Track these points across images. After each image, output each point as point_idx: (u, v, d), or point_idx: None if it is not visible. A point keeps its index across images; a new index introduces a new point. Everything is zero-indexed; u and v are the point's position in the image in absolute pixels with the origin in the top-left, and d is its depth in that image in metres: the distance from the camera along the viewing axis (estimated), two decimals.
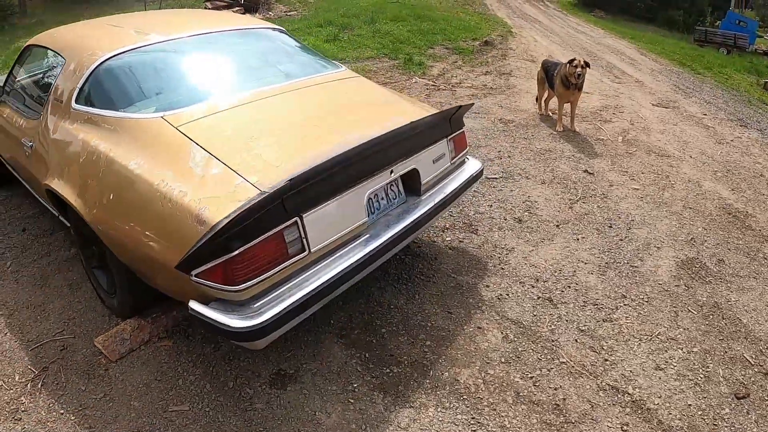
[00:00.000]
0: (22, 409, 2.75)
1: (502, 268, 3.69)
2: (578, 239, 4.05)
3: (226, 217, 2.19)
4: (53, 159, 3.18)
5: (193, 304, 2.34)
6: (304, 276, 2.45)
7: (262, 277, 2.31)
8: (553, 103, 6.80)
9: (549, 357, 2.90)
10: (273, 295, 2.36)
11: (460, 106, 3.34)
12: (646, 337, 3.03)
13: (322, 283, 2.44)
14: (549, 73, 6.45)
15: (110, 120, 2.94)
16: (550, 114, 6.77)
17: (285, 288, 2.39)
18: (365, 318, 3.24)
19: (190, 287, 2.37)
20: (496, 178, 5.07)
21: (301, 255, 2.42)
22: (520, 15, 18.16)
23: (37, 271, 3.74)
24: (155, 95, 3.10)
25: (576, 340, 3.01)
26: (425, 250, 3.91)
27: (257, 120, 2.92)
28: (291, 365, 2.91)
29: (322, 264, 2.53)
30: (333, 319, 3.24)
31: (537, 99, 7.01)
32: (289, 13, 13.51)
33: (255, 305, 2.30)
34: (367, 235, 2.74)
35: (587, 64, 6.01)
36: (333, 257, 2.57)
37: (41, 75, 3.88)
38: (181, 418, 2.63)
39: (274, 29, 4.14)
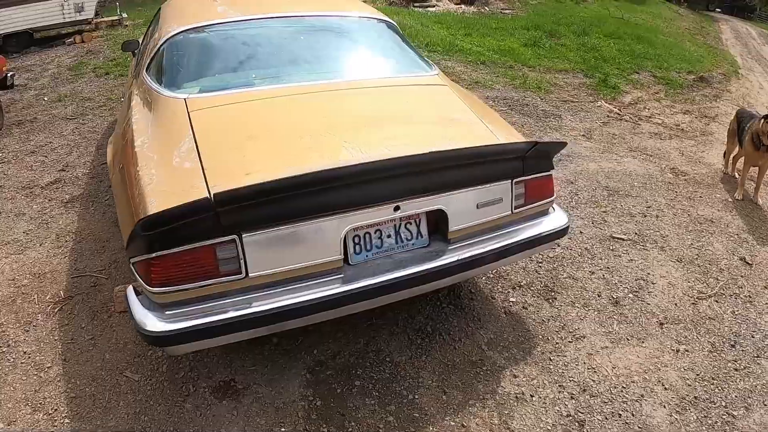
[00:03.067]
0: (34, 324, 2.98)
1: (551, 359, 2.80)
2: (678, 351, 2.94)
3: (144, 217, 1.95)
4: (118, 120, 3.22)
5: (130, 289, 2.16)
6: (239, 299, 2.08)
7: (182, 287, 2.01)
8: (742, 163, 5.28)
9: None
10: (195, 307, 2.04)
11: (537, 143, 2.51)
12: None
13: (255, 314, 2.06)
14: (741, 126, 4.97)
15: (152, 93, 2.85)
16: (736, 175, 5.25)
17: (212, 304, 2.05)
18: (350, 361, 2.71)
19: None
20: (622, 239, 4.00)
21: (236, 277, 2.06)
22: (755, 56, 14.86)
23: None
24: (203, 75, 2.92)
25: None
26: (475, 305, 3.16)
27: (276, 118, 2.59)
28: (245, 380, 2.60)
29: (267, 292, 2.11)
30: (318, 349, 2.77)
31: (725, 154, 5.51)
32: (504, 11, 12.68)
33: (170, 312, 2.02)
34: (341, 275, 2.21)
35: None
36: (283, 288, 2.13)
37: (149, 39, 3.89)
38: (127, 385, 2.59)
39: (379, 20, 3.62)
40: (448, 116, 2.86)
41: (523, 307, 3.18)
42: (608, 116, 6.93)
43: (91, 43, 9.75)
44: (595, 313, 3.18)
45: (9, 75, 6.94)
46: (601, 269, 3.61)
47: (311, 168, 2.03)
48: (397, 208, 2.24)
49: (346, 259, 2.25)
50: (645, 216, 4.40)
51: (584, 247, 3.85)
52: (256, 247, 2.04)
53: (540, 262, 3.62)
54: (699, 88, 8.57)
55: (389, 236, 2.33)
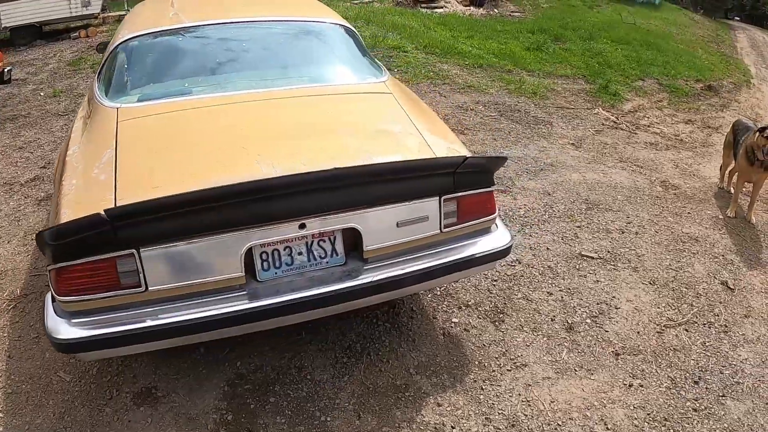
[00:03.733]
0: None
1: (482, 389, 2.51)
2: (631, 386, 2.62)
3: (50, 228, 1.93)
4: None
5: (48, 296, 2.13)
6: (141, 311, 2.05)
7: (87, 297, 2.00)
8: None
9: None
10: (100, 317, 2.03)
11: (467, 158, 2.28)
12: None
13: (156, 326, 2.01)
14: (737, 139, 4.58)
15: (94, 101, 2.79)
16: (732, 190, 4.87)
17: (115, 315, 2.03)
18: (270, 376, 2.55)
19: None
20: (591, 258, 3.67)
21: (137, 290, 2.02)
22: None
23: None
24: (146, 83, 2.85)
25: None
26: (413, 324, 2.89)
27: (204, 128, 2.49)
28: (166, 387, 2.53)
29: (168, 306, 2.06)
30: (242, 361, 2.62)
31: (721, 167, 5.12)
32: (513, 14, 12.29)
33: (77, 320, 2.01)
34: (245, 292, 2.11)
35: None
36: (185, 303, 2.07)
37: None
38: (59, 385, 2.57)
39: (334, 25, 3.43)
40: (382, 127, 2.65)
41: (465, 329, 2.88)
42: (603, 124, 6.57)
43: (95, 38, 9.66)
44: (545, 339, 2.87)
45: (6, 70, 6.87)
46: (561, 290, 3.29)
47: (207, 184, 1.97)
48: (302, 226, 2.10)
49: (254, 276, 2.15)
50: (623, 233, 4.06)
51: (547, 265, 3.53)
52: (154, 261, 1.99)
53: (495, 281, 3.32)
54: (706, 97, 8.11)
55: (300, 254, 2.18)
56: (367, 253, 2.22)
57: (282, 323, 2.20)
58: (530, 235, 3.90)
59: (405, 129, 2.60)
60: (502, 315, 3.01)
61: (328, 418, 2.35)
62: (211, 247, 2.03)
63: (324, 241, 2.20)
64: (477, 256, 2.43)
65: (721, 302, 3.34)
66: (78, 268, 1.95)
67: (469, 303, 3.09)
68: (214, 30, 3.15)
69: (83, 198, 2.10)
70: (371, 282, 2.18)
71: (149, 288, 2.00)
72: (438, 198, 2.30)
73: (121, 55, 2.97)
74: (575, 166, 5.23)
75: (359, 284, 2.17)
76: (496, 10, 12.55)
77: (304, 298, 2.09)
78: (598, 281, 3.42)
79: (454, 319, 2.96)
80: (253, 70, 2.99)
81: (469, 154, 2.38)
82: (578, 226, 4.09)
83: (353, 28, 3.52)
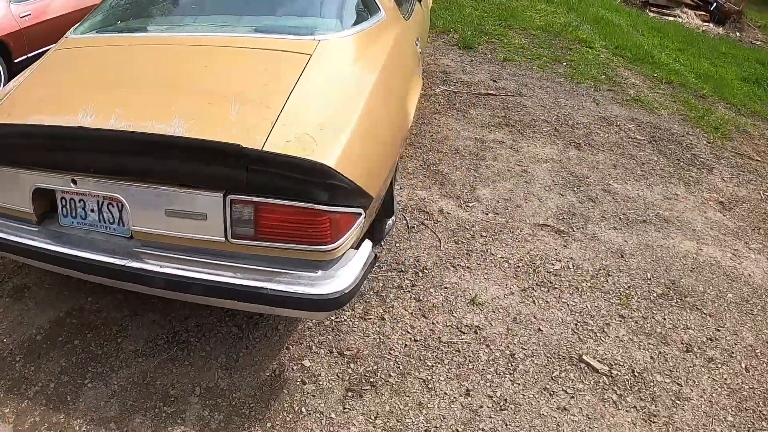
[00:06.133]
0: None
1: None
2: None
3: None
4: None
5: None
6: None
7: None
8: None
9: None
10: None
11: (243, 148, 1.61)
12: None
13: None
14: None
15: None
16: None
17: None
18: (96, 323, 2.30)
19: None
20: (593, 370, 2.25)
21: None
22: None
23: None
24: (111, 19, 2.69)
25: None
26: (256, 345, 2.08)
27: (105, 67, 2.31)
28: (35, 293, 2.47)
29: None
30: (94, 298, 2.43)
31: None
32: (754, 41, 9.18)
33: None
34: (36, 229, 2.01)
35: None
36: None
37: None
38: None
39: None
40: (244, 93, 1.97)
41: (302, 381, 1.91)
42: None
43: None
44: None
45: None
46: (489, 396, 1.98)
47: (38, 121, 1.94)
48: (74, 182, 1.88)
49: (56, 218, 2.01)
50: (687, 351, 2.44)
51: (510, 353, 2.20)
52: None
53: (416, 340, 2.16)
54: None
55: (93, 211, 1.96)
56: (135, 233, 1.89)
57: (62, 272, 2.09)
58: (534, 302, 2.53)
59: (266, 102, 1.88)
60: (368, 388, 1.89)
61: (88, 386, 2.06)
62: (10, 179, 1.98)
63: (112, 206, 1.91)
64: (269, 292, 1.62)
65: None
66: None
67: (347, 353, 2.02)
68: None
69: None
70: (124, 266, 1.82)
71: None
72: (222, 195, 1.68)
73: None
74: (698, 232, 3.44)
75: (115, 263, 1.84)
76: (738, 33, 9.52)
77: (71, 256, 1.90)
78: (564, 410, 2.01)
79: (305, 362, 1.96)
80: (216, 15, 2.67)
81: (269, 149, 1.59)
82: (621, 315, 2.56)
83: None
